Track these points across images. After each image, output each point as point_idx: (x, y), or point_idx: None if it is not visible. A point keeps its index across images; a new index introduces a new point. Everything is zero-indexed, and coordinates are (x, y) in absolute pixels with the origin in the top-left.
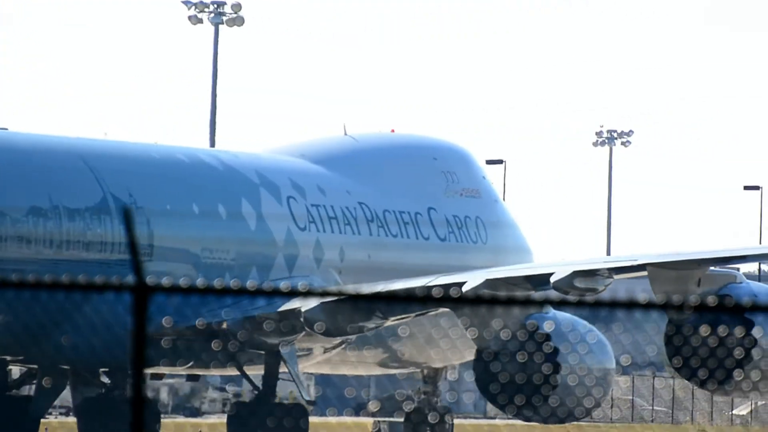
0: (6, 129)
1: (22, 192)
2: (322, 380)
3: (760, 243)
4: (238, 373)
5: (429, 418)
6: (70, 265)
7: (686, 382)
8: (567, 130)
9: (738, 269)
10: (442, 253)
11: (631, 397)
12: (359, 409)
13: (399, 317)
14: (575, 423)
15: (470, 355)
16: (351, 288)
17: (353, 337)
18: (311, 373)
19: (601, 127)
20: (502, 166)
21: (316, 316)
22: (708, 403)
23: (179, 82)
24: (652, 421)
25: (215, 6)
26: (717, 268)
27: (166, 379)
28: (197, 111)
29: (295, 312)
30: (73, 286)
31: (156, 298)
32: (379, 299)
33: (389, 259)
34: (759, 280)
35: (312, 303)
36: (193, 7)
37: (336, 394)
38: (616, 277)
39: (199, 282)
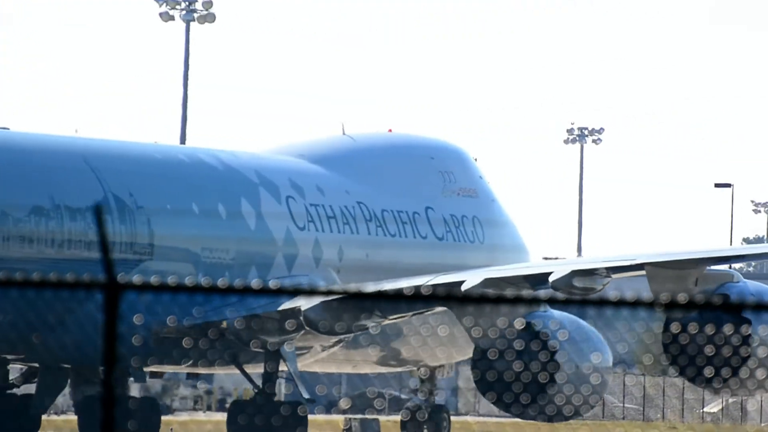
0: (8, 129)
1: (24, 192)
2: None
3: (731, 240)
4: (238, 371)
5: (426, 416)
6: (71, 264)
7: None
8: (538, 128)
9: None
10: (439, 252)
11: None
12: (330, 406)
13: (398, 316)
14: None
15: (467, 354)
16: (351, 287)
17: (351, 335)
18: (282, 371)
19: (572, 124)
20: None
21: (315, 315)
22: (679, 400)
23: (151, 79)
24: (623, 418)
25: (186, 3)
26: (714, 268)
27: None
28: (169, 108)
29: (295, 311)
30: (44, 284)
31: (161, 297)
32: (378, 298)
33: (387, 258)
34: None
35: (312, 302)
36: (165, 4)
37: (307, 391)
38: (614, 276)
39: (171, 280)
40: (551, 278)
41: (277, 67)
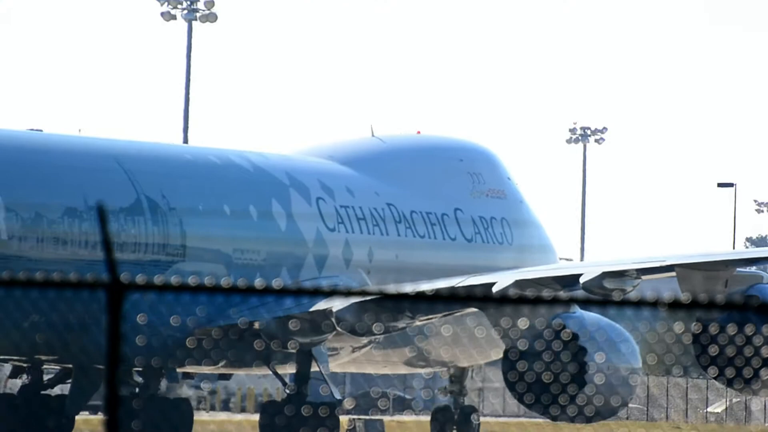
0: (41, 131)
1: (58, 193)
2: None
3: (734, 240)
4: (270, 372)
5: (456, 417)
6: (105, 265)
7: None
8: (540, 128)
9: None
10: (468, 253)
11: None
12: (333, 407)
13: (428, 317)
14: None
15: (496, 355)
16: (382, 288)
17: (381, 336)
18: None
19: (575, 124)
20: None
21: (347, 316)
22: (683, 400)
23: (152, 79)
24: (626, 418)
25: (188, 3)
26: (744, 269)
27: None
28: (171, 107)
29: (326, 312)
30: (48, 284)
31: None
32: (409, 299)
33: (417, 259)
34: None
35: (344, 303)
36: (166, 4)
37: (311, 390)
38: (644, 277)
39: (174, 280)
40: (582, 279)
41: (279, 67)
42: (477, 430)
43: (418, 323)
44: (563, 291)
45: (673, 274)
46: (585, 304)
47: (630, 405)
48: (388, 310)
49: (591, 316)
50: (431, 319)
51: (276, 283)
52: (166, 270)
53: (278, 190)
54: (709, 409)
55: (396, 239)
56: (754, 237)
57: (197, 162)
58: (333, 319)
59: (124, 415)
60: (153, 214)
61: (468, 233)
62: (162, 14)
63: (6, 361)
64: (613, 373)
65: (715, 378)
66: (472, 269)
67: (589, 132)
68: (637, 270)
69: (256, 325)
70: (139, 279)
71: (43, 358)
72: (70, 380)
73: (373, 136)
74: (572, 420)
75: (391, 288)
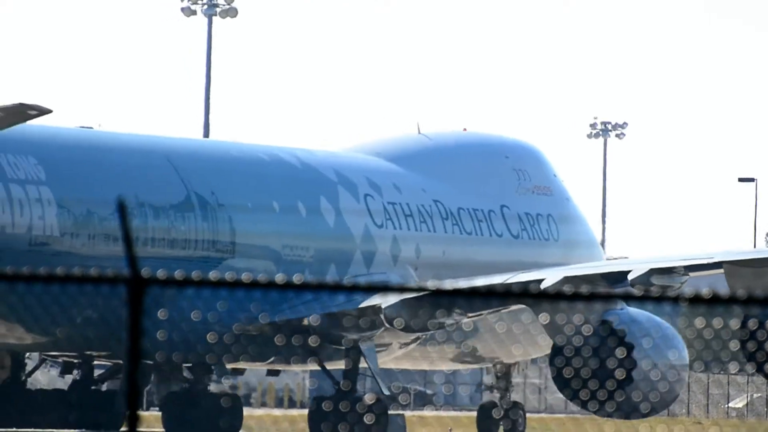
0: (91, 128)
1: (109, 190)
2: (318, 374)
3: (754, 235)
4: (318, 368)
5: (502, 412)
6: (155, 262)
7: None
8: (561, 122)
9: None
10: (515, 249)
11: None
12: (355, 402)
13: (477, 313)
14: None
15: (543, 351)
16: (430, 285)
17: (429, 333)
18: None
19: (596, 118)
20: None
21: (395, 313)
22: (704, 395)
23: (173, 73)
24: (647, 414)
25: None
26: None
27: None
28: (192, 102)
29: (375, 308)
30: (68, 278)
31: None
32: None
33: (464, 255)
34: None
35: (392, 299)
36: None
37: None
38: (691, 274)
39: (194, 275)
40: (630, 276)
41: (300, 62)
42: (523, 426)
43: (466, 319)
44: (611, 288)
45: (721, 271)
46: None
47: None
48: (437, 306)
49: (638, 312)
50: (479, 315)
51: (296, 278)
52: (215, 267)
53: (326, 186)
54: (730, 405)
55: (443, 236)
56: None
57: (246, 159)
58: (382, 316)
59: (176, 410)
60: (203, 211)
61: (514, 230)
62: (182, 9)
63: (58, 356)
64: (660, 369)
65: (756, 374)
66: (519, 265)
67: (609, 127)
68: (685, 267)
69: (306, 322)
70: (160, 274)
71: (94, 353)
72: (120, 376)
73: (419, 133)
74: (620, 416)
75: (440, 284)
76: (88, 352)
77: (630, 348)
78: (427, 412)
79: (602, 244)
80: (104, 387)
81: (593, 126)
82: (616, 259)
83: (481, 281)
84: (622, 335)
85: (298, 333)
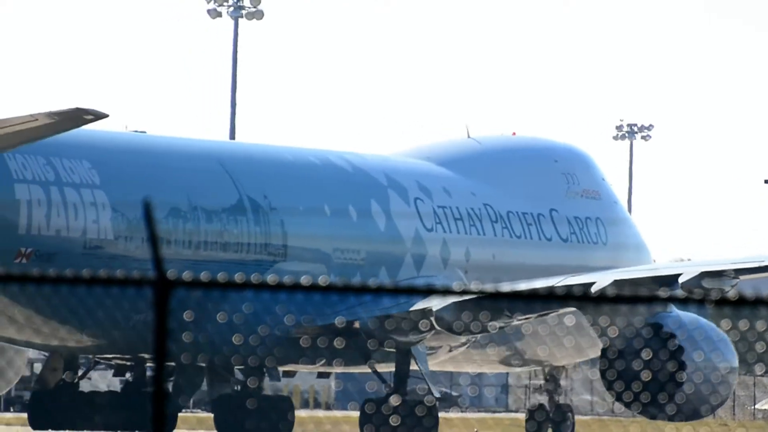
0: (144, 132)
1: (162, 194)
2: (343, 376)
3: None
4: (369, 371)
5: (550, 415)
6: (208, 265)
7: None
8: (587, 124)
9: None
10: (564, 252)
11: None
12: (381, 403)
13: (526, 316)
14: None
15: (592, 354)
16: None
17: (479, 335)
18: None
19: (621, 120)
20: None
21: (447, 316)
22: (730, 397)
23: (199, 75)
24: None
25: (234, 0)
26: None
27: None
28: (218, 104)
29: (426, 311)
30: (94, 280)
31: (295, 297)
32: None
33: (513, 258)
34: None
35: (443, 302)
36: (213, 1)
37: (357, 389)
38: (742, 277)
39: (220, 276)
40: (681, 280)
41: (327, 65)
42: (571, 429)
43: (516, 322)
44: (661, 291)
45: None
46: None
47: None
48: (486, 309)
49: (688, 315)
50: (529, 318)
51: (322, 280)
52: (267, 270)
53: (377, 190)
54: (756, 406)
55: (493, 239)
56: None
57: (297, 163)
58: (433, 318)
59: (228, 412)
60: (255, 215)
61: (563, 233)
62: (208, 11)
63: (111, 359)
64: (710, 371)
65: None
66: (568, 269)
67: (635, 129)
68: (736, 270)
69: (356, 325)
70: (186, 276)
71: (147, 356)
72: (172, 378)
73: (469, 137)
74: (670, 419)
75: (490, 287)
76: (141, 355)
77: (679, 351)
78: (453, 414)
79: None
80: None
81: (619, 128)
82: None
83: (530, 284)
84: (673, 338)
85: (350, 335)
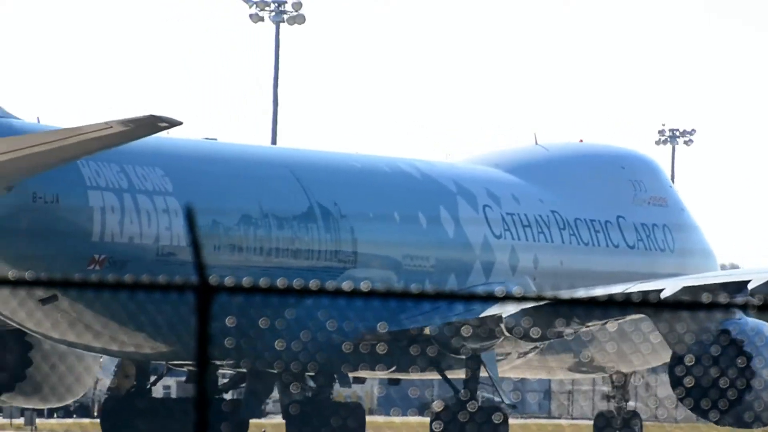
0: (216, 139)
1: (234, 201)
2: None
3: None
4: (439, 377)
5: (620, 422)
6: (278, 272)
7: None
8: (629, 129)
9: None
10: (631, 259)
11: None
12: (423, 409)
13: (596, 323)
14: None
15: (660, 360)
16: (550, 294)
17: (547, 342)
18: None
19: (663, 125)
20: None
21: (516, 322)
22: None
23: (241, 80)
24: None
25: (276, 4)
26: None
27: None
28: (260, 108)
29: (495, 318)
30: (137, 286)
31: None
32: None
33: (581, 265)
34: None
35: (513, 309)
36: (254, 6)
37: (400, 395)
38: None
39: (262, 282)
40: (750, 286)
41: (369, 70)
42: None
43: (585, 329)
44: (730, 297)
45: None
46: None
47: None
48: (556, 315)
49: (756, 322)
50: (598, 324)
51: (362, 287)
52: (337, 277)
53: (446, 197)
54: None
55: (560, 246)
56: None
57: (367, 170)
58: (502, 325)
59: (300, 418)
60: (325, 221)
61: (630, 240)
62: (250, 16)
63: (182, 365)
64: None
65: None
66: (635, 275)
67: (677, 134)
68: None
69: (427, 331)
70: (228, 281)
71: (218, 362)
72: (243, 385)
73: (536, 144)
74: (737, 425)
75: (559, 294)
76: (212, 361)
77: (749, 357)
78: (496, 420)
79: None
80: (228, 396)
81: (661, 133)
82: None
83: (599, 291)
84: (741, 345)
85: (419, 342)
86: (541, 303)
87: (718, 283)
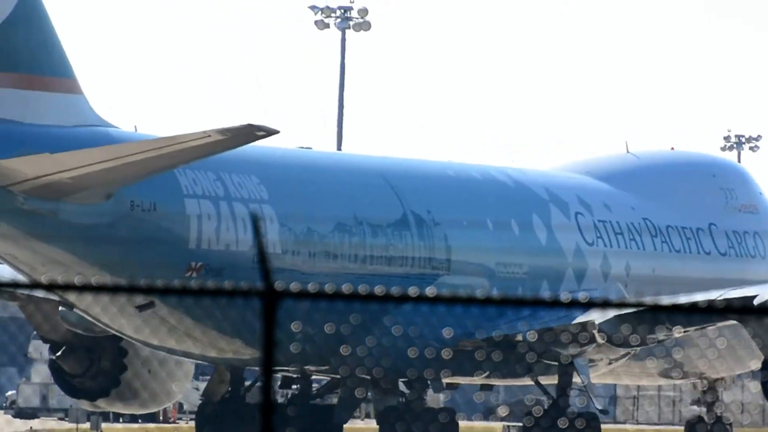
0: (310, 148)
1: (329, 208)
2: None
3: None
4: (532, 383)
5: (709, 428)
6: (373, 279)
7: None
8: (695, 135)
9: None
10: (722, 266)
11: (761, 402)
12: (488, 413)
13: (688, 329)
14: None
15: (752, 366)
16: (643, 300)
17: (639, 348)
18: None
19: (729, 131)
20: None
21: (608, 328)
22: None
23: (307, 86)
24: None
25: (342, 11)
26: None
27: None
28: (325, 114)
29: (588, 324)
30: (203, 291)
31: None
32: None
33: (673, 272)
34: None
35: (606, 315)
36: (320, 12)
37: (465, 399)
38: None
39: (328, 287)
40: None
41: (435, 75)
42: None
43: (676, 335)
44: None
45: None
46: None
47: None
48: (647, 322)
49: None
50: (689, 331)
51: (450, 294)
52: (431, 283)
53: (538, 204)
54: None
55: (652, 253)
56: None
57: (460, 178)
58: (595, 331)
59: (393, 423)
60: (419, 229)
61: (722, 247)
62: (316, 23)
63: (277, 371)
64: None
65: None
66: (726, 282)
67: (743, 140)
68: None
69: (518, 338)
70: (293, 287)
71: (312, 368)
72: (338, 390)
73: (627, 152)
74: None
75: (653, 300)
76: (306, 367)
77: None
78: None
79: None
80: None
81: (727, 139)
82: None
83: (691, 297)
84: None
85: (513, 348)
86: (634, 309)
87: None
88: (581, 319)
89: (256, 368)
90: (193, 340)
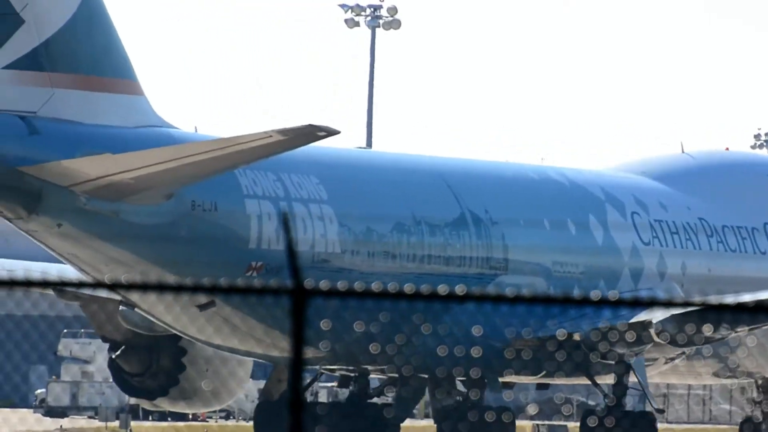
0: (368, 148)
1: (387, 208)
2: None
3: None
4: (589, 382)
5: (763, 427)
6: (431, 278)
7: None
8: (725, 133)
9: None
10: None
11: None
12: (518, 412)
13: (744, 328)
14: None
15: None
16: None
17: (694, 347)
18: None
19: (759, 129)
20: None
21: (665, 327)
22: None
23: (337, 84)
24: None
25: (372, 10)
26: None
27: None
28: (355, 112)
29: (645, 323)
30: (232, 289)
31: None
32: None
33: (729, 272)
34: None
35: (664, 314)
36: (350, 11)
37: (494, 398)
38: None
39: (357, 285)
40: None
41: (464, 73)
42: None
43: (734, 334)
44: None
45: None
46: None
47: None
48: (705, 321)
49: None
50: (746, 330)
51: (474, 291)
52: (489, 283)
53: (594, 204)
54: None
55: (708, 252)
56: None
57: (517, 178)
58: (651, 330)
59: (450, 423)
60: (477, 228)
61: None
62: (346, 21)
63: (335, 370)
64: None
65: None
66: None
67: None
68: None
69: (577, 337)
70: (323, 285)
71: (370, 367)
72: (395, 389)
73: (683, 152)
74: None
75: (710, 299)
76: (364, 366)
77: None
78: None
79: None
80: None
81: (757, 137)
82: None
83: (747, 297)
84: None
85: (568, 347)
86: (691, 309)
87: None
88: (638, 318)
89: (315, 367)
90: (256, 339)
